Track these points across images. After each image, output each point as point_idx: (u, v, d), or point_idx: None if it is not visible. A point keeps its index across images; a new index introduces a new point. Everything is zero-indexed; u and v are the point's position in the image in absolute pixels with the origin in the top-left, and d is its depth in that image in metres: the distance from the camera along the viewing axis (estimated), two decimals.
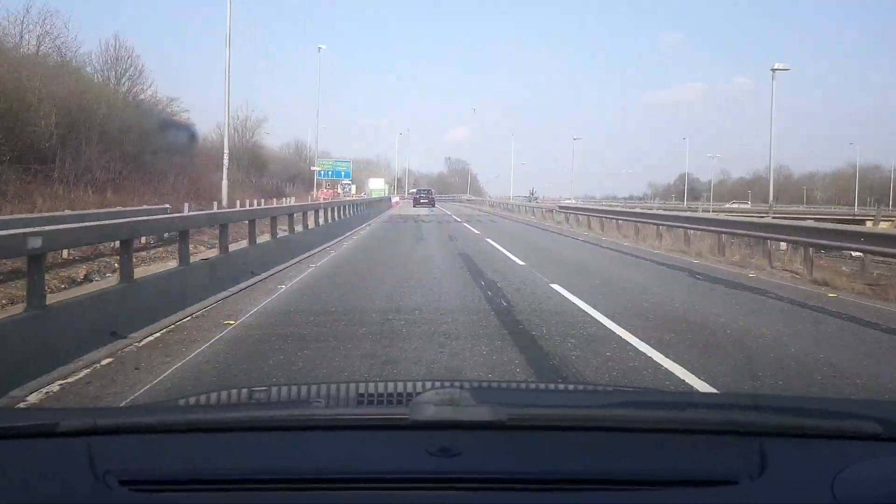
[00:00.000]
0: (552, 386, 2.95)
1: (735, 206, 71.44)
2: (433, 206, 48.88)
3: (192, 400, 1.73)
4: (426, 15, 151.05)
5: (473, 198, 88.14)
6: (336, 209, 19.97)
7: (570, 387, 2.83)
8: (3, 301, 7.74)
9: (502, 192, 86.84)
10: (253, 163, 64.30)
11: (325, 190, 58.08)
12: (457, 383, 1.71)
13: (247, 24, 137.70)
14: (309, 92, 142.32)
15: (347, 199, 37.40)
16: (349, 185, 69.16)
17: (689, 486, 1.15)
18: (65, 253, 11.15)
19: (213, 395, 1.76)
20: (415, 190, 64.95)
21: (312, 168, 51.27)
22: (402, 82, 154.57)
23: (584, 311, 6.99)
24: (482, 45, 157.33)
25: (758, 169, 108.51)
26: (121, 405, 3.67)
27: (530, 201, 57.25)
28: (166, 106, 42.06)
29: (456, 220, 29.42)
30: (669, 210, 38.22)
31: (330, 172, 59.66)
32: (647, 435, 1.31)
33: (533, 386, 2.85)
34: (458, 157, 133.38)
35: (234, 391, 1.88)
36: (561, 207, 29.84)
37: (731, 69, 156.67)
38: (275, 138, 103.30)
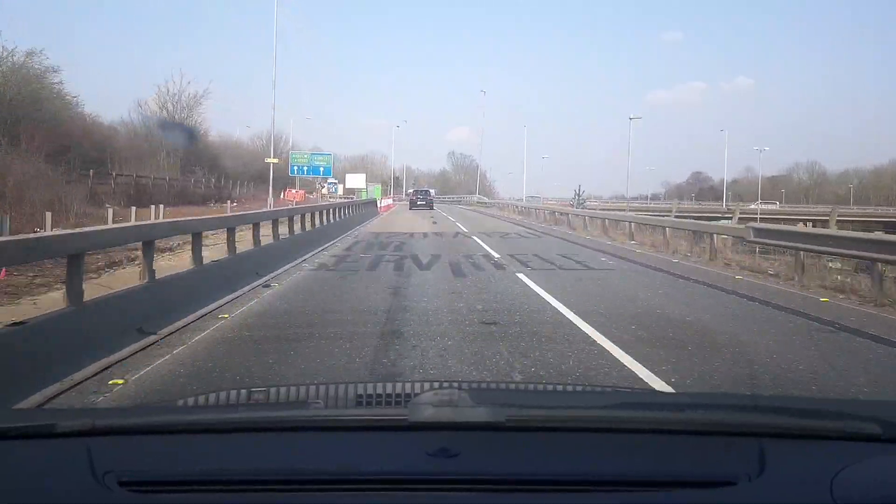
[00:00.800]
0: (551, 387, 3.01)
1: (762, 207, 65.56)
2: (431, 207, 48.76)
3: (191, 401, 1.80)
4: (427, 12, 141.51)
5: (486, 199, 76.37)
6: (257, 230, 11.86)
7: (570, 388, 2.85)
8: None
9: (514, 192, 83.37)
10: (195, 156, 44.58)
11: (292, 191, 47.23)
12: (455, 384, 1.79)
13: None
14: (298, 84, 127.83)
15: (333, 200, 32.32)
16: (335, 183, 61.13)
17: (687, 486, 1.26)
18: None
19: (213, 396, 1.83)
20: (412, 191, 62.30)
21: (267, 160, 38.94)
22: (401, 81, 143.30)
23: None
24: (481, 45, 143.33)
25: (785, 166, 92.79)
26: (120, 406, 3.62)
27: (577, 205, 38.00)
28: (23, 65, 30.33)
29: (487, 254, 15.26)
30: None
31: (305, 168, 48.88)
32: (645, 436, 1.42)
33: (532, 387, 2.92)
34: (464, 152, 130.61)
35: (233, 392, 1.94)
36: (759, 232, 13.62)
37: (732, 68, 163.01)
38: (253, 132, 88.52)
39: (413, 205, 49.85)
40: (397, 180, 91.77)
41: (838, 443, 1.38)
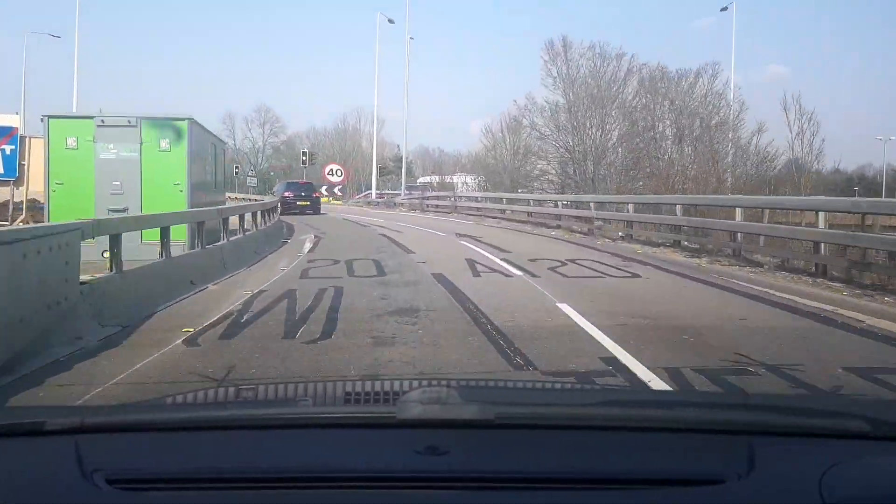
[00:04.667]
0: (540, 384, 2.95)
1: None
2: (317, 212, 30.65)
3: (180, 398, 1.81)
4: None
5: None
6: None
7: (559, 385, 2.86)
8: None
9: None
10: None
11: None
12: (444, 382, 1.90)
13: None
14: None
15: None
16: None
17: (676, 485, 1.26)
18: None
19: (201, 394, 1.88)
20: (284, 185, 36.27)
21: None
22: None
23: None
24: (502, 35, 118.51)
25: None
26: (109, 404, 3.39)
27: None
28: None
29: None
30: None
31: None
32: (634, 434, 1.43)
33: (521, 384, 2.86)
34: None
35: (221, 389, 2.04)
36: None
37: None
38: None
39: (288, 207, 28.55)
40: (397, 164, 52.15)
41: (827, 441, 1.39)
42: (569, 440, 1.37)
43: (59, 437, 1.36)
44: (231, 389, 2.02)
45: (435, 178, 50.23)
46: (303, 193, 31.98)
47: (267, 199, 24.78)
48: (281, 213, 26.25)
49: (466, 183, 43.43)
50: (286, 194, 31.22)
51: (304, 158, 47.80)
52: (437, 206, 34.02)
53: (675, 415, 1.54)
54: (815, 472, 1.21)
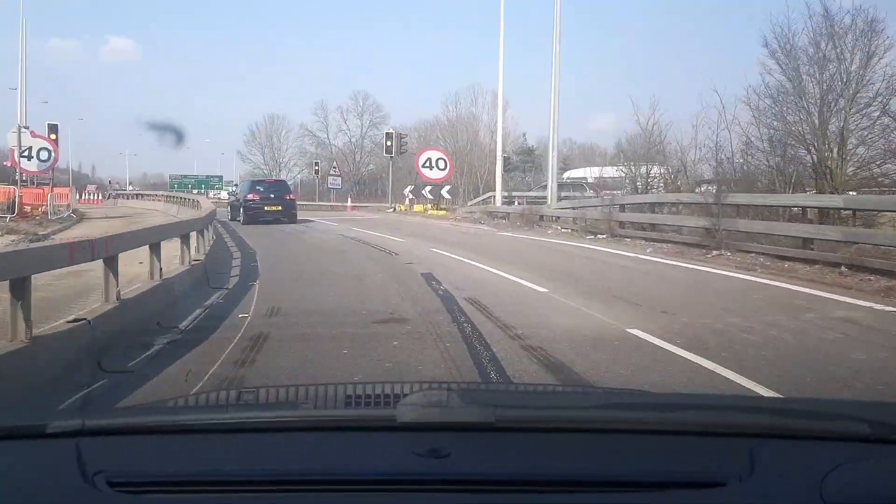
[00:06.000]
0: (541, 387, 2.99)
1: None
2: (292, 219, 23.45)
3: (181, 401, 1.85)
4: None
5: None
6: None
7: (560, 388, 2.95)
8: None
9: None
10: None
11: None
12: (444, 385, 1.84)
13: None
14: None
15: None
16: None
17: (677, 487, 1.27)
18: None
19: (202, 397, 1.90)
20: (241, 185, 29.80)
21: None
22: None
23: None
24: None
25: None
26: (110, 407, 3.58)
27: None
28: None
29: None
30: None
31: None
32: (635, 436, 1.43)
33: (522, 388, 2.95)
34: None
35: (222, 392, 1.98)
36: None
37: None
38: None
39: (254, 214, 22.39)
40: (522, 157, 36.22)
41: (828, 443, 1.39)
42: (569, 443, 1.38)
43: (60, 440, 1.37)
44: (232, 392, 1.98)
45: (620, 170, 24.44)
46: (272, 196, 23.68)
47: (193, 214, 14.33)
48: (245, 223, 21.73)
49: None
50: (250, 197, 23.61)
51: (387, 145, 31.27)
52: (650, 226, 15.07)
53: (675, 417, 1.54)
54: (816, 474, 1.22)
